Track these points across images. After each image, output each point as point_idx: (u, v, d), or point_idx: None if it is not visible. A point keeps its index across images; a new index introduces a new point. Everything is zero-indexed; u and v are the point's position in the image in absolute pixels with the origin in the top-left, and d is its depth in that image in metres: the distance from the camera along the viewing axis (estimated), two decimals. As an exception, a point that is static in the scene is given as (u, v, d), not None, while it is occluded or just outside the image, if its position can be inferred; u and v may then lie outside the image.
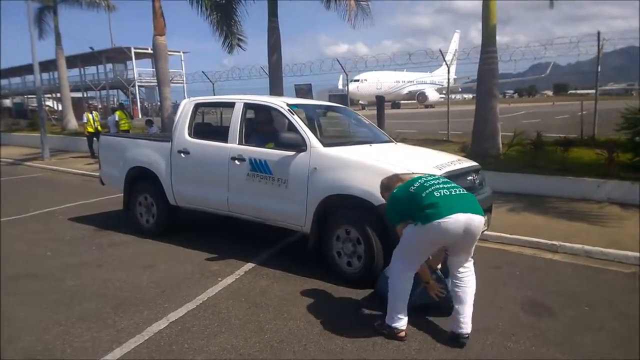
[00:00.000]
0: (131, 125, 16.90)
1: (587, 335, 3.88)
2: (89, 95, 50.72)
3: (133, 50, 42.12)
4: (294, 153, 5.27)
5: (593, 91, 13.65)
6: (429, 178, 3.85)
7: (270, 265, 5.58)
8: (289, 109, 5.61)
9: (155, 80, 19.50)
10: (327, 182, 5.00)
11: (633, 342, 3.76)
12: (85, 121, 16.82)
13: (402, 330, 3.81)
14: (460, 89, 73.27)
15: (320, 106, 7.40)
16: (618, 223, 6.91)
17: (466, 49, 14.53)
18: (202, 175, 6.16)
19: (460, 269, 3.83)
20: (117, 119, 16.20)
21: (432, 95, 61.09)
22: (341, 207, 5.03)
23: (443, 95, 58.71)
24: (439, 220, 3.49)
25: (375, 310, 4.29)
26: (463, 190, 3.75)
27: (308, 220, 5.18)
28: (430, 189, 3.66)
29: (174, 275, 5.30)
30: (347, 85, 18.07)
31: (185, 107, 6.53)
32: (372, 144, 5.92)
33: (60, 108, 32.89)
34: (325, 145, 5.25)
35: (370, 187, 4.69)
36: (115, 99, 46.58)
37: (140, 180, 6.93)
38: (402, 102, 63.31)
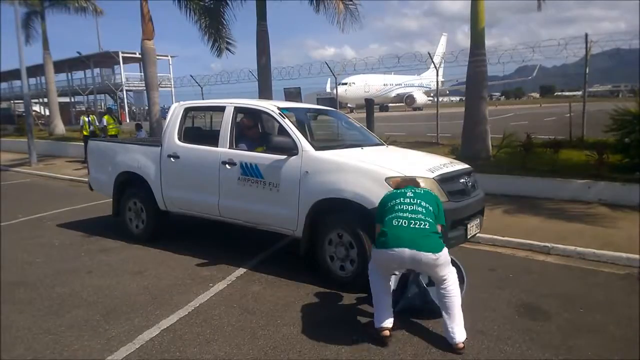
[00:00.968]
0: (119, 130, 16.77)
1: (583, 337, 3.87)
2: (76, 100, 50.39)
3: (121, 55, 41.98)
4: (285, 157, 5.23)
5: (579, 93, 13.81)
6: (405, 201, 3.84)
7: (262, 270, 5.53)
8: (280, 113, 5.58)
9: (144, 85, 19.36)
10: (319, 185, 4.97)
11: (629, 344, 3.76)
12: (82, 125, 16.74)
13: (386, 329, 3.81)
14: (448, 92, 73.70)
15: (310, 109, 7.37)
16: (609, 224, 6.94)
17: (454, 51, 14.59)
18: (192, 179, 6.10)
19: (440, 283, 3.81)
20: (105, 123, 16.08)
21: (420, 98, 61.39)
22: (333, 211, 4.99)
23: (431, 98, 59.04)
24: (384, 250, 3.68)
25: (369, 314, 4.25)
26: (424, 224, 3.67)
27: (300, 224, 5.14)
28: (393, 215, 3.76)
29: (165, 281, 5.23)
30: (336, 88, 18.06)
31: (175, 112, 6.47)
32: (363, 147, 5.89)
33: (47, 113, 32.55)
34: (316, 148, 5.22)
35: (363, 190, 4.67)
36: (103, 104, 46.32)
37: (130, 185, 6.86)
38: (390, 104, 63.48)
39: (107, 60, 44.35)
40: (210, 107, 7.18)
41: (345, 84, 49.78)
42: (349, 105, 50.27)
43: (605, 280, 5.19)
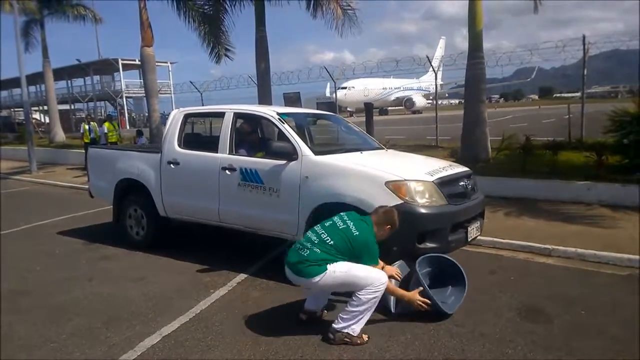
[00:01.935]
0: (119, 137, 16.80)
1: (585, 339, 3.87)
2: (76, 107, 50.47)
3: (120, 62, 42.03)
4: (285, 162, 5.24)
5: (578, 94, 13.82)
6: (317, 228, 4.02)
7: (263, 275, 5.52)
8: (279, 118, 5.58)
9: (143, 91, 19.41)
10: (320, 190, 4.97)
11: (631, 345, 3.75)
12: (82, 132, 16.81)
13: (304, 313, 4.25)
14: (447, 95, 73.75)
15: (310, 114, 7.38)
16: (610, 225, 6.95)
17: (452, 54, 14.66)
18: (192, 185, 6.10)
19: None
20: (105, 130, 16.10)
21: (420, 101, 61.40)
22: (334, 215, 4.98)
23: (430, 101, 59.04)
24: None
25: (371, 319, 4.25)
26: (305, 252, 3.84)
27: (300, 229, 5.14)
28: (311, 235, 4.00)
29: (166, 288, 5.23)
30: (335, 92, 18.10)
31: (175, 118, 6.48)
32: (362, 151, 5.90)
33: (47, 121, 32.62)
34: (316, 153, 5.22)
35: (363, 194, 4.68)
36: (103, 111, 46.40)
37: (130, 192, 6.86)
38: (390, 108, 63.51)
39: (106, 67, 44.40)
40: (209, 113, 7.19)
41: (345, 88, 49.76)
42: (348, 109, 50.31)
43: (606, 281, 5.18)
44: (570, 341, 3.83)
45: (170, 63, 45.81)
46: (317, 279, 3.78)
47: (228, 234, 6.50)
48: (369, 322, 3.97)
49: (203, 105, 16.59)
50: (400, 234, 4.59)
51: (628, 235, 6.41)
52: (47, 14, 24.56)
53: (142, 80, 22.48)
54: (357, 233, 3.88)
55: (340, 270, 3.79)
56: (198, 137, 7.10)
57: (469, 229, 5.05)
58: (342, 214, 4.08)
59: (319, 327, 4.14)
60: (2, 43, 25.38)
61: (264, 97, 14.40)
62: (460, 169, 5.55)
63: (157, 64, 18.08)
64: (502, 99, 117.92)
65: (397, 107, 63.36)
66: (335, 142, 7.69)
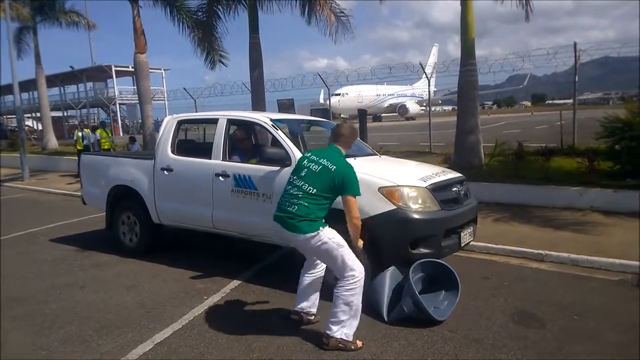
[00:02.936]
0: (112, 144, 16.74)
1: (578, 344, 3.88)
2: (69, 114, 50.32)
3: (114, 68, 42.00)
4: (278, 168, 5.24)
5: (570, 101, 13.90)
6: (294, 180, 4.04)
7: (256, 282, 5.51)
8: (272, 124, 5.59)
9: (137, 98, 19.39)
10: (313, 196, 4.96)
11: (624, 350, 3.77)
12: (75, 139, 16.76)
13: (307, 314, 4.31)
14: (440, 101, 74.10)
15: (303, 121, 7.40)
16: (602, 231, 6.98)
17: (445, 61, 14.74)
18: (186, 192, 6.09)
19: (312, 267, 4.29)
20: (98, 137, 16.06)
21: (413, 108, 61.64)
22: (327, 221, 4.97)
23: (423, 108, 59.29)
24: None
25: (366, 324, 4.25)
26: (294, 207, 3.88)
27: (294, 235, 5.13)
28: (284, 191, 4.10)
29: (159, 295, 5.20)
30: (329, 99, 18.15)
31: (168, 124, 6.48)
32: (356, 157, 5.89)
33: (40, 127, 32.49)
34: (309, 159, 5.21)
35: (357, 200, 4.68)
36: (96, 117, 46.27)
37: (123, 198, 6.84)
38: (384, 115, 63.74)
39: (100, 74, 44.37)
40: (203, 119, 7.19)
41: (339, 94, 49.96)
42: (342, 115, 50.39)
43: (599, 286, 5.20)
44: (563, 346, 3.85)
45: (164, 70, 45.81)
46: (307, 236, 3.81)
47: (222, 241, 6.49)
48: (362, 328, 3.97)
49: (197, 111, 16.60)
50: (393, 240, 4.62)
51: (620, 240, 6.45)
52: (40, 21, 24.49)
53: (135, 87, 22.47)
54: (335, 167, 3.92)
55: (331, 240, 3.84)
56: (191, 144, 7.09)
57: (462, 234, 5.06)
58: (309, 156, 4.10)
59: (313, 333, 4.13)
60: (-5, 49, 25.31)
61: (258, 104, 14.41)
62: (454, 174, 5.57)
63: (150, 70, 18.10)
64: (495, 105, 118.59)
65: (390, 114, 63.58)
66: (328, 148, 7.68)
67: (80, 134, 16.69)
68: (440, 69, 15.48)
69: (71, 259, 6.75)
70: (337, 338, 3.82)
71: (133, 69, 18.08)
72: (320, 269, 4.28)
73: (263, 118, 5.80)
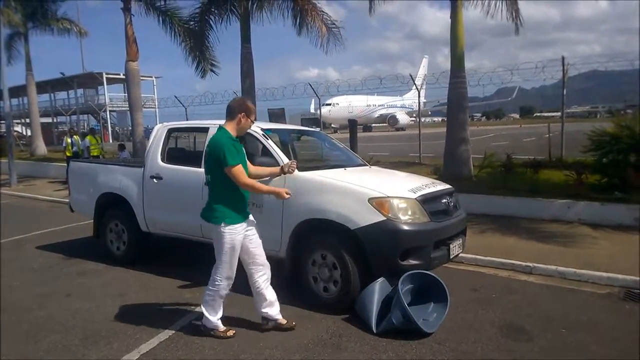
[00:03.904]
0: (102, 150, 16.65)
1: (566, 357, 3.89)
2: (58, 120, 49.98)
3: (105, 76, 41.84)
4: (268, 178, 5.22)
5: (558, 114, 14.04)
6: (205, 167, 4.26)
7: (244, 292, 5.44)
8: (263, 134, 5.59)
9: (127, 105, 19.31)
10: (303, 206, 4.97)
11: (609, 362, 3.79)
12: (64, 145, 16.67)
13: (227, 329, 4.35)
14: (430, 112, 74.50)
15: (294, 130, 7.41)
16: (590, 244, 7.03)
17: (435, 73, 14.86)
18: (175, 200, 6.06)
19: None
20: (88, 144, 15.97)
21: (403, 119, 61.96)
22: (317, 232, 4.99)
23: (413, 119, 59.59)
24: None
25: (355, 335, 4.24)
26: (210, 193, 4.20)
27: (284, 244, 5.12)
28: None
29: (146, 304, 5.16)
30: (320, 109, 18.20)
31: (159, 132, 6.45)
32: (346, 168, 5.92)
33: (29, 133, 32.25)
34: (300, 169, 5.22)
35: (347, 211, 4.69)
36: (86, 124, 46.03)
37: (111, 206, 6.78)
38: (374, 125, 63.98)
39: (90, 80, 44.16)
40: (193, 128, 7.16)
41: (329, 104, 50.08)
42: (332, 125, 50.52)
43: (586, 299, 5.23)
44: (551, 359, 3.85)
45: (155, 77, 45.73)
46: (215, 228, 4.10)
47: (210, 250, 6.42)
48: (352, 341, 3.94)
49: (187, 120, 16.56)
50: (383, 251, 4.61)
51: (607, 253, 6.49)
52: (31, 27, 24.41)
53: (126, 94, 22.38)
54: (209, 147, 4.11)
55: (225, 235, 4.09)
56: (182, 152, 7.06)
57: (451, 246, 5.07)
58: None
59: (302, 343, 4.11)
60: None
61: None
62: (443, 186, 5.59)
63: (141, 78, 18.06)
64: (484, 117, 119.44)
65: (380, 124, 63.85)
66: (319, 158, 7.70)
67: (69, 140, 16.62)
68: (430, 81, 15.59)
69: (57, 266, 6.68)
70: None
71: (124, 77, 18.02)
72: (263, 269, 4.43)
73: (254, 127, 5.78)
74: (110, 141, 37.62)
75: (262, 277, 4.39)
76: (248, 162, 4.35)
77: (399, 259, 4.60)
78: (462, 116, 11.94)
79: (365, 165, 6.60)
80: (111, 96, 44.41)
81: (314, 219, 4.91)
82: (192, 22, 15.88)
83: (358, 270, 4.66)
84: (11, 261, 7.00)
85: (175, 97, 20.01)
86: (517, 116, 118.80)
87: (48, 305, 5.18)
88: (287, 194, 4.28)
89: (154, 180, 6.18)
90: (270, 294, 4.42)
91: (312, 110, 36.49)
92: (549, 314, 4.77)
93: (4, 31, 20.09)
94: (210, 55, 16.18)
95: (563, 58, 12.41)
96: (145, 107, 20.76)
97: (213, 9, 15.24)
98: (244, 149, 4.50)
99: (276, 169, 4.78)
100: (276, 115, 17.49)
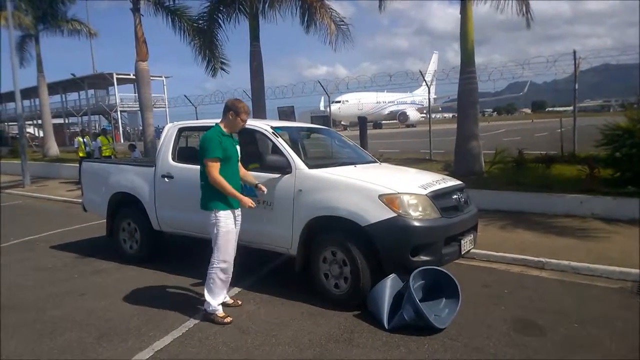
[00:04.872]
0: (114, 151, 16.78)
1: (580, 353, 3.87)
2: (70, 121, 50.45)
3: (115, 76, 42.14)
4: (279, 175, 5.25)
5: (570, 108, 13.90)
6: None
7: (256, 289, 5.51)
8: (273, 132, 5.60)
9: (138, 105, 19.44)
10: (313, 203, 4.98)
11: (625, 358, 3.76)
12: (77, 146, 16.84)
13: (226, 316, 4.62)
14: (440, 108, 74.31)
15: (303, 128, 7.41)
16: (602, 238, 6.97)
17: (445, 69, 14.78)
18: (186, 199, 6.08)
19: None
20: (99, 144, 16.10)
21: (413, 115, 61.81)
22: (327, 229, 4.99)
23: (424, 115, 59.45)
24: None
25: (366, 330, 4.25)
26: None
27: (294, 242, 5.14)
28: None
29: (159, 302, 5.19)
30: (329, 106, 18.19)
31: (169, 132, 6.49)
32: (356, 165, 5.91)
33: (41, 135, 32.59)
34: (310, 167, 5.23)
35: (357, 208, 4.70)
36: (97, 125, 46.40)
37: (124, 205, 6.84)
38: (384, 122, 63.93)
39: (101, 81, 44.52)
40: (203, 127, 7.12)
41: (339, 102, 50.12)
42: (342, 123, 50.55)
43: (599, 294, 5.19)
44: (564, 355, 3.84)
45: (165, 77, 45.97)
46: (209, 214, 4.50)
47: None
48: (364, 337, 3.95)
49: (197, 119, 16.63)
50: (394, 247, 4.61)
51: (620, 248, 6.44)
52: (42, 29, 24.65)
53: (136, 94, 22.52)
54: (199, 141, 4.59)
55: (221, 220, 4.49)
56: (192, 151, 7.07)
57: (463, 242, 5.06)
58: None
59: (313, 341, 4.13)
60: (-1, 58, 25.47)
61: (259, 111, 14.45)
62: (454, 182, 5.57)
63: (151, 78, 18.15)
64: (495, 112, 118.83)
65: (391, 121, 63.74)
66: (329, 155, 7.71)
67: (81, 140, 16.75)
68: (440, 77, 15.56)
69: (71, 266, 6.76)
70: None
71: (134, 77, 18.13)
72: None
73: (264, 125, 5.81)
74: (122, 141, 37.92)
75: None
76: (240, 165, 4.77)
77: (409, 255, 4.60)
78: (472, 112, 11.87)
79: (375, 162, 6.59)
80: (122, 96, 44.76)
81: (324, 216, 4.92)
82: (201, 21, 15.92)
83: (368, 267, 4.66)
84: (25, 260, 7.09)
85: (185, 96, 20.11)
86: (529, 111, 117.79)
87: (63, 304, 5.24)
88: (251, 204, 4.59)
89: (165, 179, 6.22)
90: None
91: (322, 108, 36.47)
92: (561, 309, 4.74)
93: (15, 33, 20.30)
94: (220, 53, 16.23)
95: (575, 52, 12.29)
96: (155, 107, 20.92)
97: (222, 8, 15.29)
98: (237, 147, 4.71)
99: (254, 181, 4.99)
100: (286, 113, 17.50)
